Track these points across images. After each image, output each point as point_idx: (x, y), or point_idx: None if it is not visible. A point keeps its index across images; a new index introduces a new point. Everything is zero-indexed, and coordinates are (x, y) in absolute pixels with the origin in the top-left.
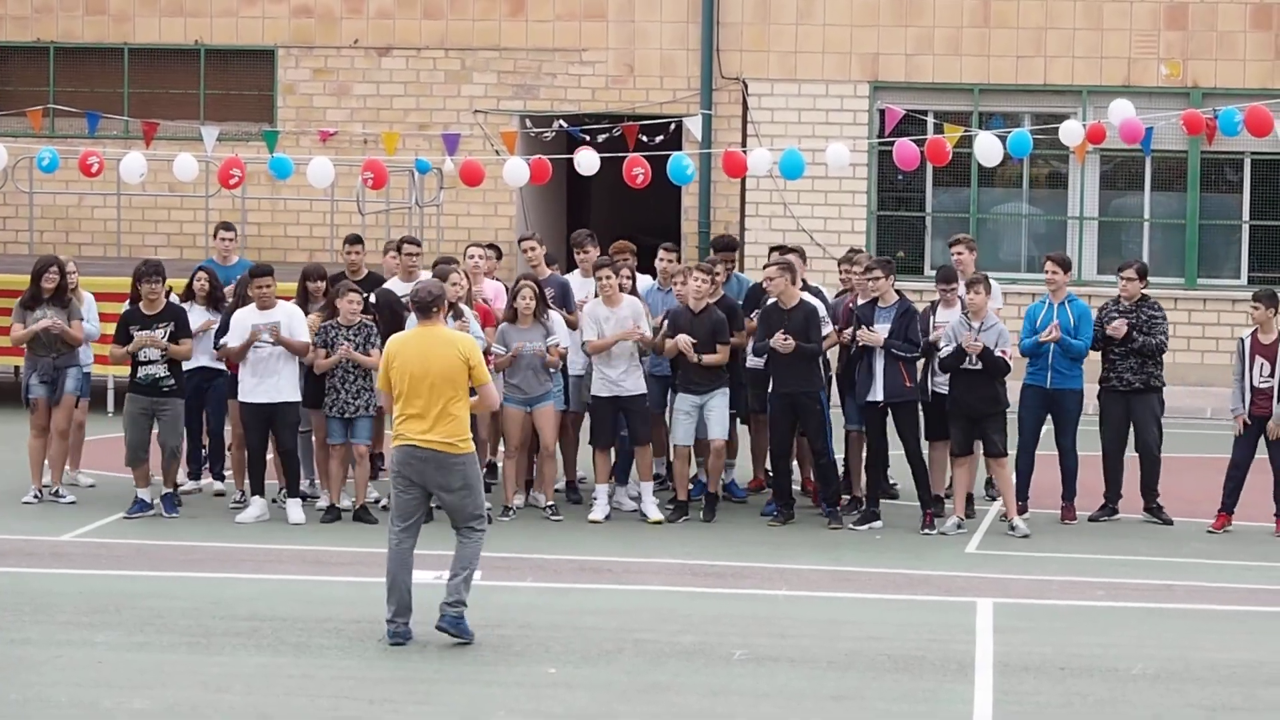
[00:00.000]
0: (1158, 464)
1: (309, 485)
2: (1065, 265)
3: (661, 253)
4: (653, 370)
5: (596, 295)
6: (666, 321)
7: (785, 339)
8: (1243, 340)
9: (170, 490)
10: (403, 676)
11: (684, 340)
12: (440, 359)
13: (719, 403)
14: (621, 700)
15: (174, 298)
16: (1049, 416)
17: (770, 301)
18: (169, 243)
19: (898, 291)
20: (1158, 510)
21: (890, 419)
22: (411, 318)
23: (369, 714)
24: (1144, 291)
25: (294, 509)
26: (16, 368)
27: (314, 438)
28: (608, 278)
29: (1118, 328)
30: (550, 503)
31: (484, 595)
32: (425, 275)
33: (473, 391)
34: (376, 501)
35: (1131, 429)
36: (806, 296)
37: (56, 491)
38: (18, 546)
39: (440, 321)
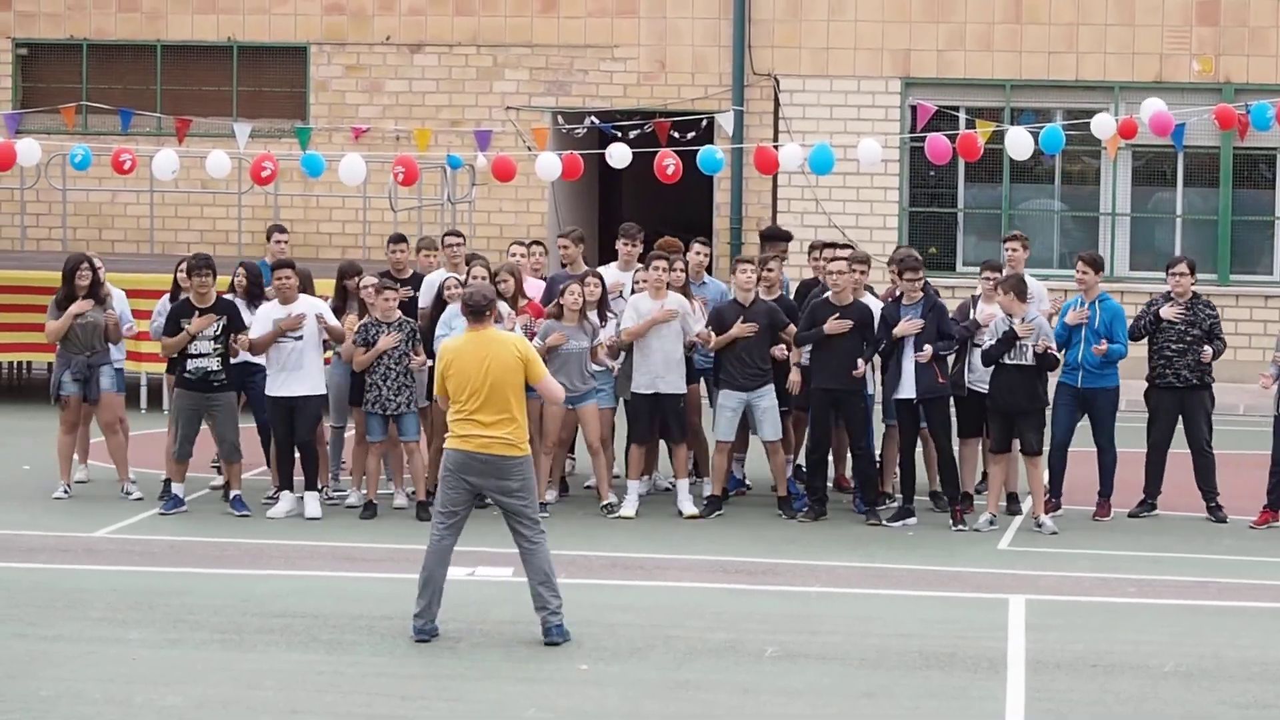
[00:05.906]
0: (1212, 460)
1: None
2: (1096, 265)
3: (696, 246)
4: (698, 364)
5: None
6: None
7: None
8: None
9: (239, 491)
10: (434, 673)
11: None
12: (498, 361)
13: (769, 402)
14: (652, 697)
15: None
16: (1085, 415)
17: (824, 296)
18: (202, 239)
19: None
20: (1216, 509)
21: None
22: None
23: (401, 711)
24: (1193, 289)
25: (311, 503)
26: (49, 363)
27: (356, 434)
28: (663, 269)
29: (1207, 352)
30: (606, 501)
31: (514, 592)
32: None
33: (529, 389)
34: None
35: (1181, 424)
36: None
37: (125, 489)
38: (50, 543)
39: (491, 324)
